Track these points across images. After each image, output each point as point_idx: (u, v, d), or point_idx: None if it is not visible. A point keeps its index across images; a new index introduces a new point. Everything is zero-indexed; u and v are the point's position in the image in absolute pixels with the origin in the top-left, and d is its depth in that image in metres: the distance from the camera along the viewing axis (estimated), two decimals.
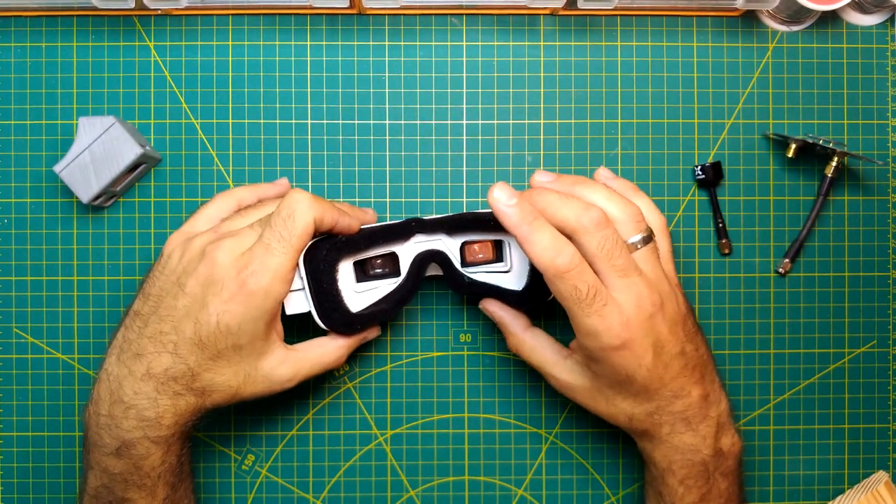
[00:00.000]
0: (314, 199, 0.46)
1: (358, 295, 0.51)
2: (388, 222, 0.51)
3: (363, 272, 0.51)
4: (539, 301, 0.50)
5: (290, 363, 0.48)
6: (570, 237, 0.43)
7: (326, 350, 0.49)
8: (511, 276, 0.51)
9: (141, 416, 0.45)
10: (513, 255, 0.51)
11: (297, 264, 0.47)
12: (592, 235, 0.43)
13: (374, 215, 0.53)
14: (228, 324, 0.44)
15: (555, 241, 0.42)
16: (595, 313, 0.43)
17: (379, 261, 0.51)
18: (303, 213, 0.45)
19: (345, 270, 0.50)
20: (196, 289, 0.45)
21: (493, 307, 0.52)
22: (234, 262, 0.44)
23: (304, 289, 0.47)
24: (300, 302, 0.48)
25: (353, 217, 0.49)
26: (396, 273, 0.51)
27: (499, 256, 0.52)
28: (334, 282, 0.48)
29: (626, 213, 0.45)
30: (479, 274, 0.52)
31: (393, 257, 0.51)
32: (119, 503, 0.46)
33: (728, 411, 0.48)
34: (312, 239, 0.47)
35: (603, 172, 0.51)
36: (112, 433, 0.45)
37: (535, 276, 0.49)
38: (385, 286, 0.51)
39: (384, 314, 0.50)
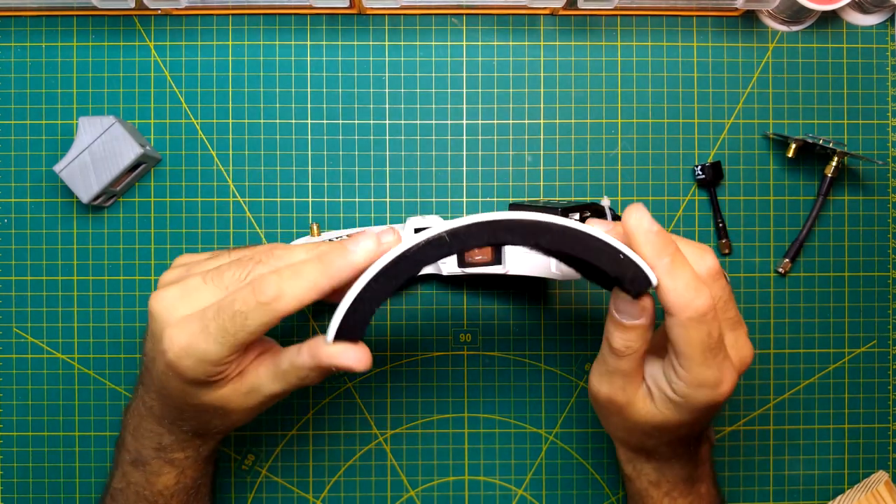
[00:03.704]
0: (304, 288, 0.37)
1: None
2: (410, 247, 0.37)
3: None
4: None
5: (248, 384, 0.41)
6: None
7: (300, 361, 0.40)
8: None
9: (157, 443, 0.44)
10: (508, 258, 0.51)
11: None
12: (710, 286, 0.38)
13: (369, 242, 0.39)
14: (170, 393, 0.41)
15: (696, 279, 0.37)
16: (716, 365, 0.38)
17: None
18: (265, 313, 0.37)
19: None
20: (150, 351, 0.41)
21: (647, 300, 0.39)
22: (169, 322, 0.39)
23: None
24: None
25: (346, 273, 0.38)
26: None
27: (497, 259, 0.52)
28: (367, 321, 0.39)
29: (716, 264, 0.40)
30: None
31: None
32: None
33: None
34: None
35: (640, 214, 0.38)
36: (134, 443, 0.45)
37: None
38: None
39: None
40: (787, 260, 0.56)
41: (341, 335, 0.38)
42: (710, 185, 0.56)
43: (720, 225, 0.56)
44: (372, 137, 0.55)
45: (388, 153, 0.55)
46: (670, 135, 0.56)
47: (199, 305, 0.39)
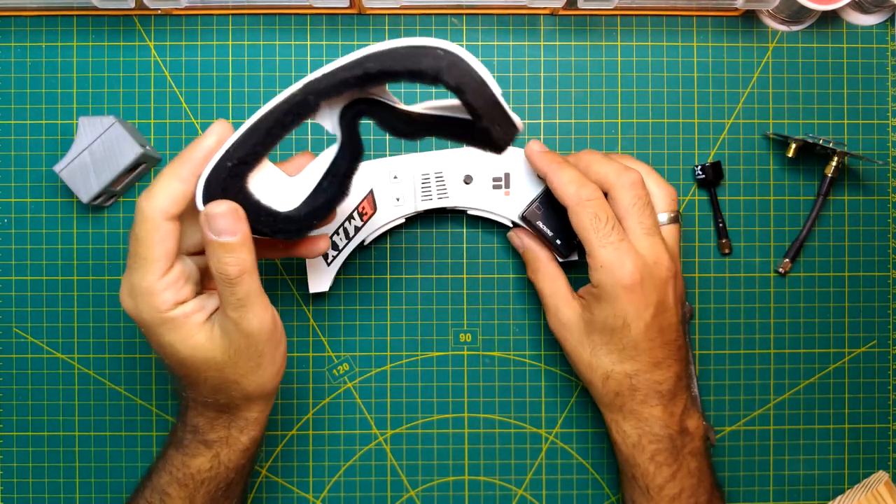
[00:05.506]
0: (164, 178, 0.39)
1: (288, 196, 0.43)
2: (270, 106, 0.40)
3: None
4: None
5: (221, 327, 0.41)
6: (606, 192, 0.47)
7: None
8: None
9: (189, 423, 0.45)
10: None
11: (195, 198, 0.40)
12: (627, 191, 0.46)
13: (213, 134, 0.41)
14: (157, 350, 0.42)
15: (579, 177, 0.46)
16: (611, 244, 0.45)
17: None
18: (141, 216, 0.39)
19: (267, 177, 0.42)
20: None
21: (523, 234, 0.52)
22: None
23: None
24: None
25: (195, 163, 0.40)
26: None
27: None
28: (247, 196, 0.41)
29: (663, 190, 0.49)
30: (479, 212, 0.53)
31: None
32: (160, 494, 0.45)
33: (691, 398, 0.49)
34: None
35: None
36: (176, 426, 0.46)
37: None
38: (316, 171, 0.44)
39: (329, 203, 0.43)
40: (787, 260, 0.56)
41: (208, 196, 0.39)
42: (710, 185, 0.56)
43: (720, 225, 0.56)
44: (372, 137, 0.55)
45: (387, 153, 0.55)
46: (670, 135, 0.56)
47: None
